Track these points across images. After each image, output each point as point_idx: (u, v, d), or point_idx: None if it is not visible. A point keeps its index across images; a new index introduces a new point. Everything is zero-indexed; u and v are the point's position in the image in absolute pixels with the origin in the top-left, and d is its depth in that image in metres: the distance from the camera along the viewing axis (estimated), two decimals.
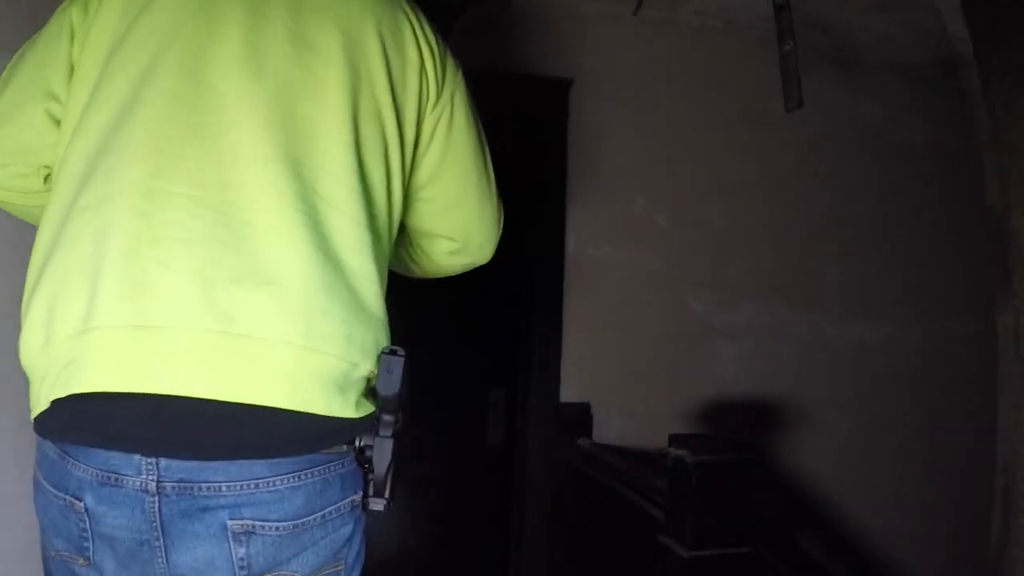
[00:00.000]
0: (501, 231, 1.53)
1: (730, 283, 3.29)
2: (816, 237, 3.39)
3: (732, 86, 3.36)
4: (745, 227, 3.32)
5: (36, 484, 1.10)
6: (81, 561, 1.05)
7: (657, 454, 2.14)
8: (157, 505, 1.00)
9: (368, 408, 1.11)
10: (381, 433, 1.10)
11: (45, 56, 1.19)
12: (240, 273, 1.03)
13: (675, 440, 2.04)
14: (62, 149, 1.13)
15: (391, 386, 1.08)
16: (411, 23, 1.27)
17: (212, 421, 1.00)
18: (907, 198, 3.49)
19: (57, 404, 1.01)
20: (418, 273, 1.61)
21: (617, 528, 2.57)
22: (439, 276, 1.62)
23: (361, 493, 1.13)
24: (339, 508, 1.10)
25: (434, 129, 1.31)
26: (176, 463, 1.00)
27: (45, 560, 1.13)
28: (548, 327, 3.13)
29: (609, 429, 3.10)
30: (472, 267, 1.58)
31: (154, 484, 0.99)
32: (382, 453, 1.10)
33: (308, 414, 1.02)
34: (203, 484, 1.00)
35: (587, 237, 3.19)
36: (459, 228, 1.46)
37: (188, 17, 1.14)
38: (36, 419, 1.05)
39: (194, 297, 1.00)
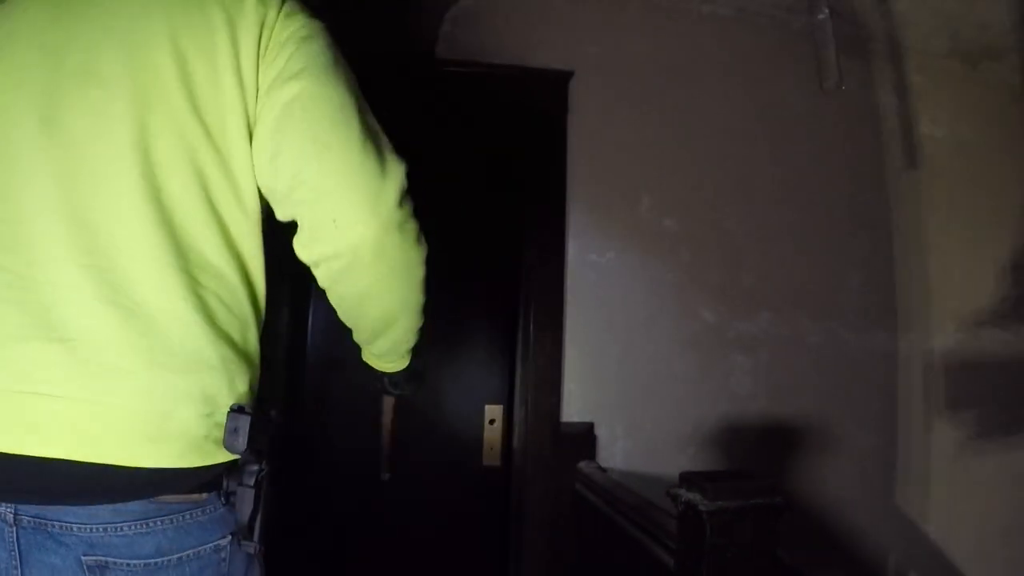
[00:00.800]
0: (390, 208, 1.13)
1: (745, 291, 3.06)
2: (836, 240, 3.15)
3: (745, 78, 3.18)
4: (760, 230, 3.09)
5: None
6: None
7: (666, 495, 1.88)
8: (15, 535, 1.01)
9: (211, 457, 1.08)
10: (244, 482, 1.12)
11: None
12: (30, 331, 1.02)
13: (687, 480, 1.78)
14: None
15: (237, 445, 1.06)
16: (227, 18, 1.14)
17: (31, 471, 1.00)
18: (932, 198, 3.25)
19: None
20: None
21: (621, 569, 2.32)
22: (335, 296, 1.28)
23: (228, 537, 1.12)
24: (198, 552, 1.09)
25: (265, 110, 1.14)
26: (26, 505, 1.01)
27: None
28: (547, 340, 2.91)
29: (614, 451, 2.87)
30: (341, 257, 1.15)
31: (11, 515, 1.01)
32: (243, 501, 1.12)
33: (112, 466, 1.01)
34: (56, 522, 1.01)
35: (589, 242, 2.98)
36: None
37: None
38: None
39: None
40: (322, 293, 1.24)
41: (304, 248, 1.17)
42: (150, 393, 1.03)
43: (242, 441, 1.06)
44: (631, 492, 2.36)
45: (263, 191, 1.17)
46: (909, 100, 3.28)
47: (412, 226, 1.19)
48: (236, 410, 1.08)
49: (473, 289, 3.10)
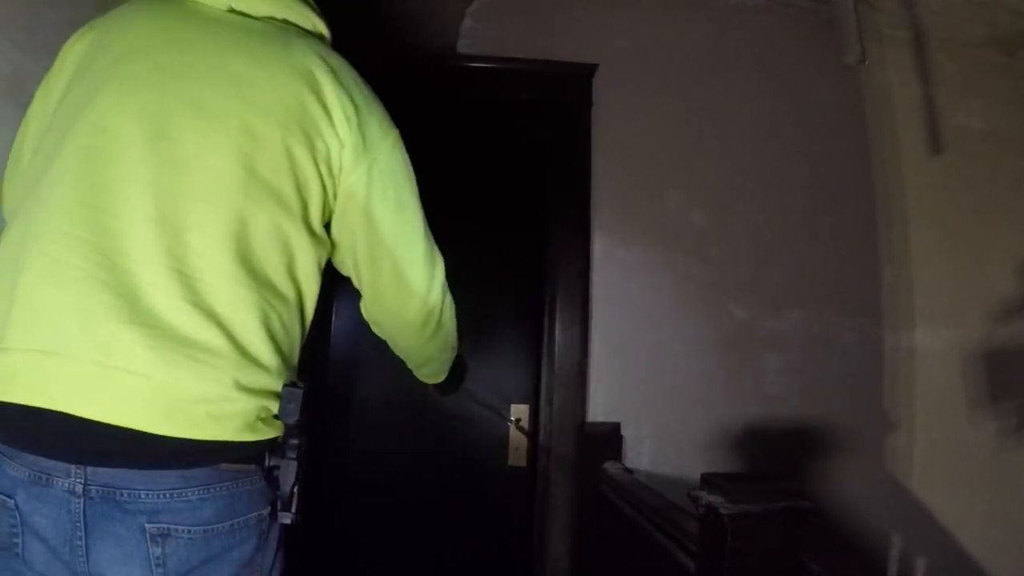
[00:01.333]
0: (436, 297, 1.55)
1: (775, 287, 2.98)
2: (869, 235, 3.06)
3: (773, 69, 3.11)
4: (791, 224, 3.01)
5: None
6: (12, 555, 1.14)
7: (687, 497, 1.82)
8: (82, 506, 1.10)
9: (262, 433, 1.22)
10: (287, 455, 1.27)
11: (21, 139, 1.42)
12: (115, 312, 1.12)
13: (708, 482, 1.72)
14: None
15: (290, 415, 1.22)
16: (326, 97, 1.33)
17: (106, 437, 1.09)
18: (967, 190, 3.14)
19: None
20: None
21: (644, 572, 2.26)
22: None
23: (268, 509, 1.25)
24: (247, 520, 1.22)
25: (348, 199, 1.38)
26: (102, 470, 1.11)
27: None
28: (573, 338, 2.86)
29: (640, 451, 2.81)
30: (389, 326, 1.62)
31: (80, 487, 1.10)
32: (287, 473, 1.27)
33: (176, 437, 1.12)
34: (125, 490, 1.11)
35: (615, 238, 2.92)
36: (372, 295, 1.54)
37: (107, 84, 1.25)
38: None
39: (75, 329, 1.11)
40: (344, 297, 1.47)
41: (367, 313, 1.57)
42: (217, 381, 1.15)
43: (294, 411, 1.22)
44: (655, 494, 2.30)
45: (335, 262, 1.47)
46: (943, 90, 3.18)
47: (449, 302, 1.57)
48: (290, 385, 1.24)
49: (497, 287, 3.06)
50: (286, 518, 1.28)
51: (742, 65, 3.09)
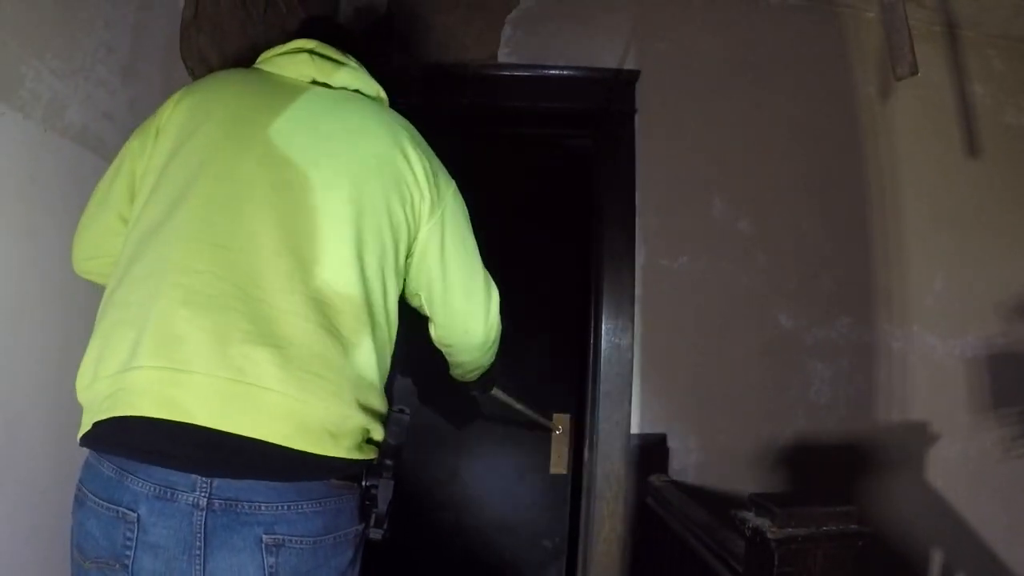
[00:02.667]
0: (485, 354, 1.86)
1: (823, 295, 2.93)
2: (919, 239, 2.99)
3: (819, 70, 3.06)
4: (838, 231, 2.96)
5: (79, 500, 1.28)
6: (118, 567, 1.21)
7: (733, 519, 1.80)
8: (204, 518, 1.20)
9: (366, 453, 1.36)
10: (385, 475, 1.40)
11: (112, 183, 1.55)
12: (250, 336, 1.25)
13: (755, 503, 1.70)
14: (125, 236, 1.44)
15: (397, 437, 1.40)
16: (409, 154, 1.54)
17: (239, 447, 1.21)
18: (1019, 190, 3.07)
19: (99, 424, 1.24)
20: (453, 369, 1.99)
21: None
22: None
23: (363, 525, 1.39)
24: (347, 534, 1.34)
25: (426, 242, 1.58)
26: (228, 482, 1.21)
27: (74, 570, 1.29)
28: (618, 348, 2.83)
29: (687, 463, 2.78)
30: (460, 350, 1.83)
31: (205, 500, 1.20)
32: (385, 491, 1.40)
33: (301, 451, 1.24)
34: (246, 502, 1.21)
35: (660, 247, 2.89)
36: (444, 319, 1.72)
37: (223, 142, 1.42)
38: (81, 438, 1.28)
39: (212, 350, 1.23)
40: None
41: (439, 338, 1.77)
42: (341, 400, 1.29)
43: (401, 433, 1.40)
44: (700, 509, 2.27)
45: (406, 294, 1.64)
46: (991, 88, 3.11)
47: (500, 326, 1.78)
48: (397, 411, 1.42)
49: (542, 296, 3.05)
50: (376, 534, 1.41)
51: (784, 66, 3.04)
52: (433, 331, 1.77)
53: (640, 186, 2.89)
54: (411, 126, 1.63)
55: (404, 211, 1.50)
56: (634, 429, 2.79)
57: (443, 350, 1.85)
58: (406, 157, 1.52)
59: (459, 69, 2.91)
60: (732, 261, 2.90)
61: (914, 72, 1.82)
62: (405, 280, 1.61)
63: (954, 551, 2.83)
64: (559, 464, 2.99)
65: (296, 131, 1.46)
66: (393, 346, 1.51)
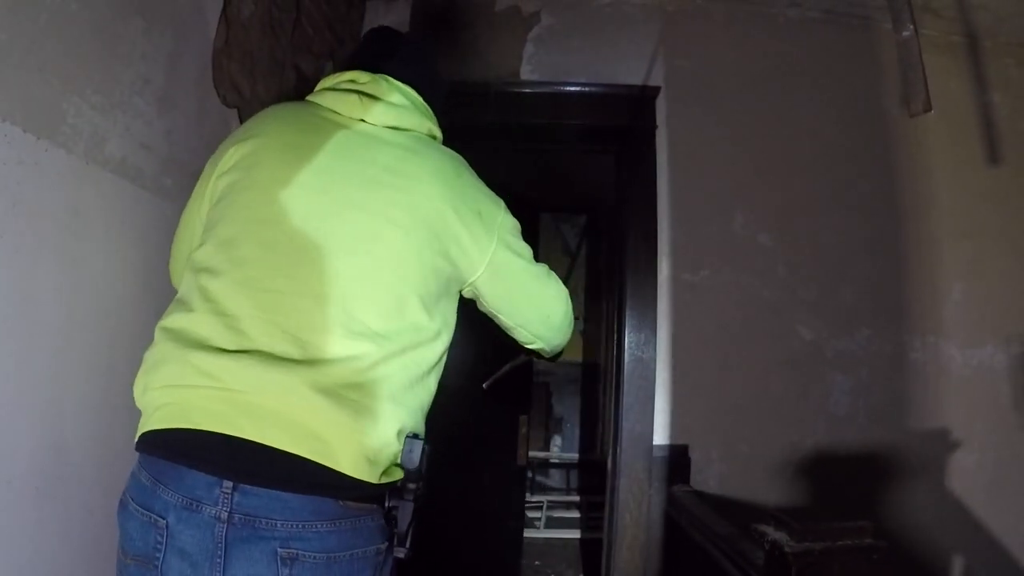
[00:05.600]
0: (570, 326, 1.88)
1: (843, 306, 2.96)
2: (938, 249, 3.02)
3: (839, 83, 3.09)
4: (858, 243, 2.99)
5: (122, 503, 1.37)
6: (150, 566, 1.30)
7: (752, 533, 1.84)
8: (225, 531, 1.26)
9: (391, 477, 1.40)
10: (405, 498, 1.43)
11: (193, 202, 1.64)
12: (301, 367, 1.32)
13: (775, 518, 1.76)
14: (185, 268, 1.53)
15: (412, 462, 1.40)
16: (454, 182, 1.58)
17: (273, 458, 1.28)
18: None
19: (150, 433, 1.34)
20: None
21: None
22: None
23: (386, 544, 1.41)
24: (365, 552, 1.36)
25: (494, 263, 1.61)
26: (245, 500, 1.27)
27: (119, 565, 1.38)
28: (640, 360, 2.87)
29: (709, 474, 2.83)
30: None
31: (226, 514, 1.27)
32: (405, 513, 1.44)
33: (340, 473, 1.31)
34: (264, 519, 1.27)
35: (682, 261, 2.94)
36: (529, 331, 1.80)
37: (272, 185, 1.48)
38: (136, 444, 1.37)
39: (260, 373, 1.31)
40: None
41: (527, 337, 1.81)
42: (378, 435, 1.34)
43: (416, 459, 1.40)
44: (721, 521, 2.32)
45: (490, 309, 1.71)
46: (1009, 96, 3.12)
47: (570, 302, 1.83)
48: (412, 436, 1.41)
49: None
50: (400, 553, 1.44)
51: (804, 80, 3.07)
52: (519, 333, 1.81)
53: (662, 200, 2.94)
54: (458, 161, 1.66)
55: (448, 255, 1.53)
56: (657, 440, 2.83)
57: (534, 343, 1.86)
58: (452, 204, 1.54)
59: (482, 87, 2.96)
60: (753, 274, 2.94)
61: (928, 109, 1.84)
62: (481, 298, 1.68)
63: (975, 560, 2.86)
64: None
65: (343, 173, 1.51)
66: (442, 368, 1.57)
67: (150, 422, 1.35)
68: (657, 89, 2.97)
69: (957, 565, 2.85)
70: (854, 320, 2.95)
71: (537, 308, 1.76)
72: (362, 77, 1.65)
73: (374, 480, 1.35)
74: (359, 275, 1.42)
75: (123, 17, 1.69)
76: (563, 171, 3.31)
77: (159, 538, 1.30)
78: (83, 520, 1.65)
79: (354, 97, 1.62)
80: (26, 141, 1.41)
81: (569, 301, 1.83)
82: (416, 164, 1.55)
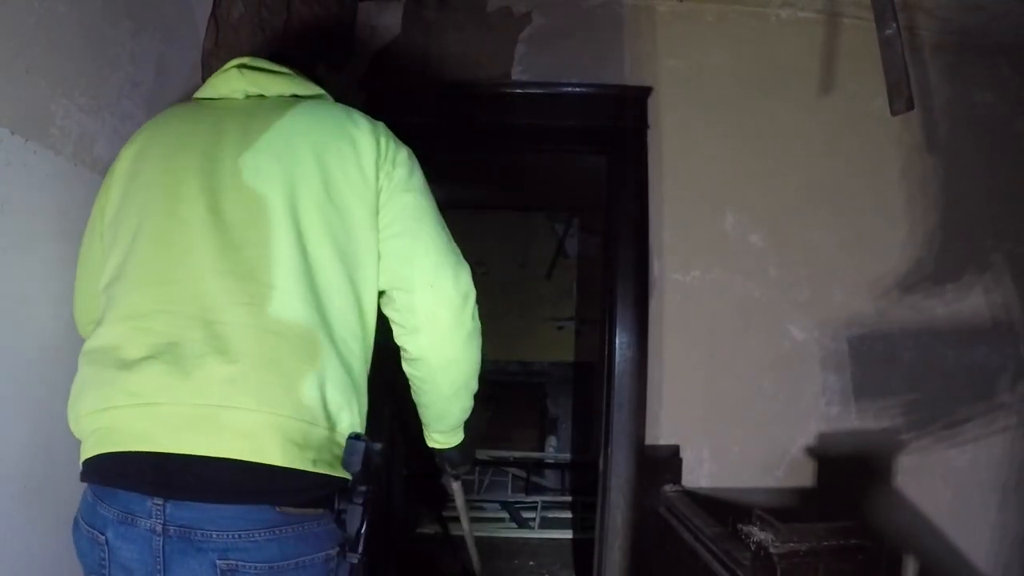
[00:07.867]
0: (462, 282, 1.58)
1: (835, 306, 2.97)
2: (929, 250, 3.02)
3: (830, 84, 3.08)
4: (850, 243, 3.00)
5: (75, 521, 1.38)
6: None
7: (739, 534, 1.86)
8: (161, 543, 1.26)
9: (334, 470, 1.37)
10: (354, 500, 1.38)
11: (87, 236, 1.58)
12: (206, 357, 1.30)
13: (760, 519, 1.78)
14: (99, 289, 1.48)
15: (354, 465, 1.34)
16: (352, 138, 1.51)
17: (199, 470, 1.27)
18: None
19: (88, 461, 1.34)
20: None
21: None
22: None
23: (337, 549, 1.38)
24: (313, 559, 1.34)
25: (390, 202, 1.53)
26: (179, 513, 1.26)
27: None
28: (632, 361, 2.87)
29: (700, 474, 2.84)
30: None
31: (160, 526, 1.26)
32: (353, 517, 1.38)
33: (268, 465, 1.27)
34: (199, 530, 1.26)
35: (673, 261, 2.95)
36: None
37: (162, 178, 1.45)
38: (80, 473, 1.37)
39: (174, 379, 1.28)
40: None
41: (403, 331, 1.55)
42: (298, 408, 1.31)
43: (357, 461, 1.33)
44: (710, 521, 2.34)
45: (381, 255, 1.53)
46: (1003, 97, 3.13)
47: (476, 308, 1.58)
48: (353, 437, 1.37)
49: None
50: (353, 558, 1.40)
51: (795, 80, 3.07)
52: (397, 337, 1.58)
53: (653, 201, 2.94)
54: (353, 108, 1.61)
55: (355, 188, 1.48)
56: (648, 440, 2.84)
57: (411, 362, 1.60)
58: (351, 137, 1.50)
59: (473, 88, 2.97)
60: (744, 274, 2.95)
61: (910, 107, 1.85)
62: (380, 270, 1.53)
63: (968, 559, 2.88)
64: None
65: (227, 148, 1.46)
66: (368, 331, 1.50)
67: (86, 449, 1.35)
68: (648, 89, 2.98)
69: (947, 566, 2.86)
70: (845, 320, 2.95)
71: (432, 271, 1.55)
72: (240, 59, 1.62)
73: (308, 468, 1.32)
74: (255, 247, 1.38)
75: (112, 19, 1.70)
76: (556, 171, 3.30)
77: (102, 554, 1.31)
78: (70, 519, 1.64)
79: (233, 72, 1.60)
80: (14, 143, 1.42)
81: (468, 323, 1.58)
82: (301, 117, 1.53)
